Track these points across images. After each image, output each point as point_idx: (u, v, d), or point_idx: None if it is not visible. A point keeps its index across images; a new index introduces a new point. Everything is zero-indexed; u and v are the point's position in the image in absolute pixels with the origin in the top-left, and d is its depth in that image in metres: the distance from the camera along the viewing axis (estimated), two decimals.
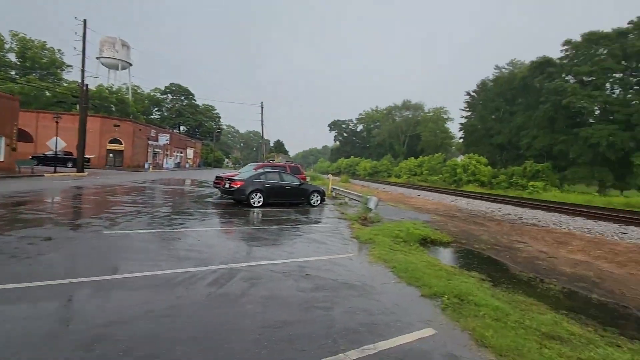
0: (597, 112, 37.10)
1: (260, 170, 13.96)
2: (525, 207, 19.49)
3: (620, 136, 32.46)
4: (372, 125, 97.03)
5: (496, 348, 3.49)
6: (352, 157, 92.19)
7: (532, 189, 33.69)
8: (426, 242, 9.38)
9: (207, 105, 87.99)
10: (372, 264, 6.44)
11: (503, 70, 52.63)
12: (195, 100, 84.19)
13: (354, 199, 15.26)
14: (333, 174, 58.15)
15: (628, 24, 35.41)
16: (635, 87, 35.41)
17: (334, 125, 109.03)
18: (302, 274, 5.45)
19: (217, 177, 17.11)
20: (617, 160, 33.70)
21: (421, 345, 3.48)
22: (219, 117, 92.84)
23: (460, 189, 38.01)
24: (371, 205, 11.78)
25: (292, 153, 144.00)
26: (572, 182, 37.08)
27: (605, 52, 35.65)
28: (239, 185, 12.58)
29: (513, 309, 4.64)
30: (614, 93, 36.55)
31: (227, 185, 13.04)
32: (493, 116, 49.51)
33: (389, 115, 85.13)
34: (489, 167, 43.23)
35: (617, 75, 36.08)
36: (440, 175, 47.93)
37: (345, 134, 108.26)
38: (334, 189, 20.27)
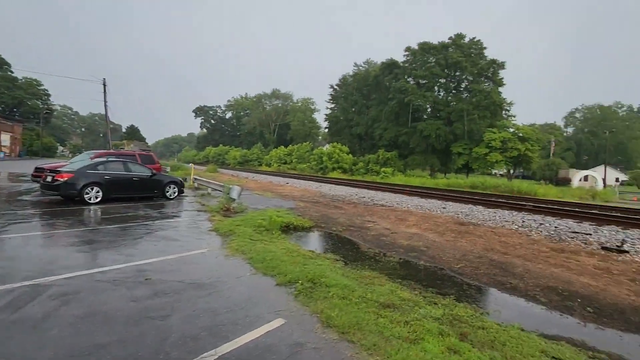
0: (429, 110, 45.21)
1: (98, 160, 11.56)
2: (377, 191, 22.19)
3: (443, 130, 40.48)
4: (242, 113, 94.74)
5: (339, 327, 3.61)
6: (221, 145, 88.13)
7: (383, 174, 39.02)
8: (289, 229, 9.49)
9: (30, 79, 69.48)
10: (228, 257, 6.04)
11: (360, 68, 58.42)
12: (12, 72, 65.53)
13: (217, 190, 14.42)
14: (200, 164, 54.43)
15: (448, 39, 43.92)
16: (453, 92, 44.51)
17: (200, 111, 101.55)
18: (140, 280, 4.64)
19: (36, 168, 13.65)
20: (442, 149, 42.03)
21: (267, 339, 3.31)
22: (48, 95, 74.21)
23: (326, 175, 40.86)
24: (234, 195, 11.25)
25: (151, 140, 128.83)
26: (412, 167, 44.57)
27: (434, 60, 43.45)
28: (66, 178, 10.08)
29: (359, 285, 4.98)
30: (440, 95, 45.09)
31: (49, 179, 10.34)
32: (353, 109, 54.61)
33: (259, 104, 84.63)
34: (350, 155, 47.83)
35: (442, 81, 44.55)
36: (308, 164, 50.55)
37: (213, 121, 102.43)
38: (196, 179, 18.77)
